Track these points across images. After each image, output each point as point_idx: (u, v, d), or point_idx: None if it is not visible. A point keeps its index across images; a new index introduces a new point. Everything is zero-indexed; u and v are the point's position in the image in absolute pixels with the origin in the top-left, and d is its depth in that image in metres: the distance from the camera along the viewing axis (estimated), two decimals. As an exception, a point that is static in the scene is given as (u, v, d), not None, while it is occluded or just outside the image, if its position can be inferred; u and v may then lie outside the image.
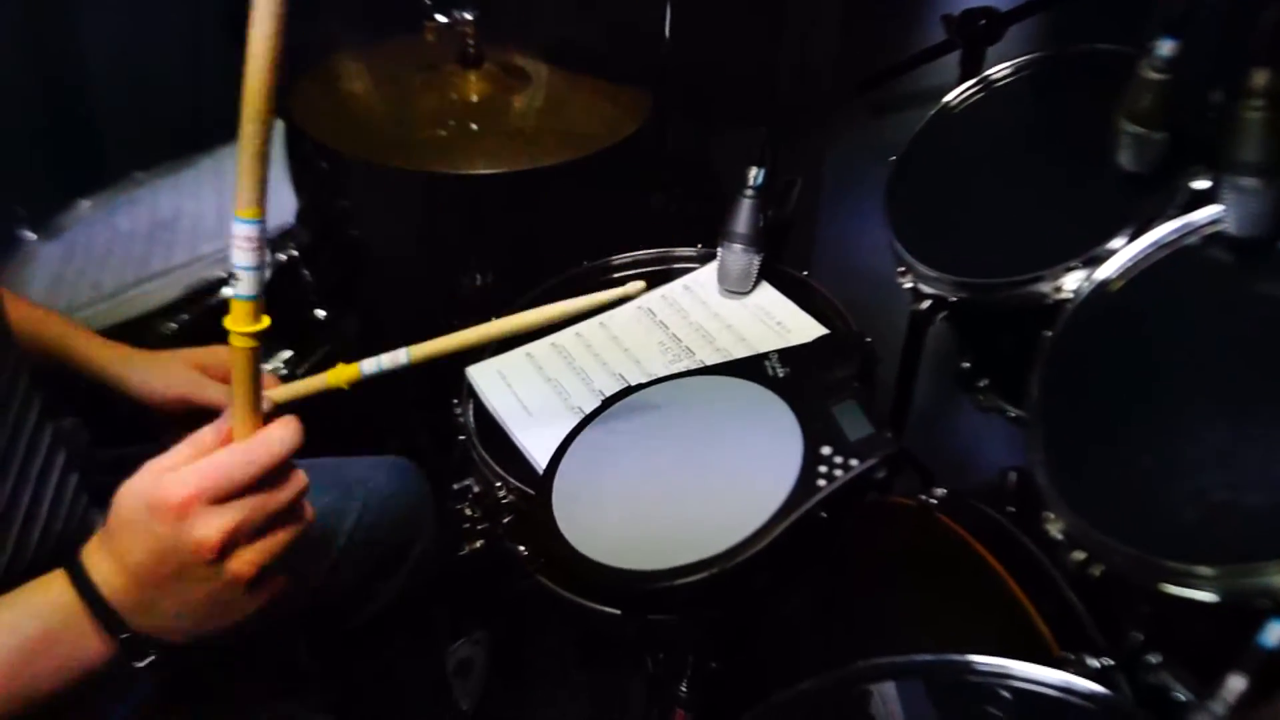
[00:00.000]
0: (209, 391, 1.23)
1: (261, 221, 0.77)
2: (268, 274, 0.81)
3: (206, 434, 0.85)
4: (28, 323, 1.22)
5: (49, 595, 0.85)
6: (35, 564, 0.98)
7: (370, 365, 1.04)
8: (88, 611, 0.83)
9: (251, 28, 0.72)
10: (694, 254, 1.65)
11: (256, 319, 0.81)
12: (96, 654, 0.84)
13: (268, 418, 0.86)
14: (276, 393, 1.10)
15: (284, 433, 0.85)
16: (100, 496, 1.10)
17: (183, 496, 0.80)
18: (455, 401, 1.42)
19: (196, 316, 1.52)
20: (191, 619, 0.86)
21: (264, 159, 0.75)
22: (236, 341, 0.81)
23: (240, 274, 0.79)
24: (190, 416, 1.22)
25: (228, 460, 0.82)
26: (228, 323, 0.80)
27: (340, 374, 1.05)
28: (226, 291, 1.51)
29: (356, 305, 1.85)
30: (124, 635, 0.84)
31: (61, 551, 1.00)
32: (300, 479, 0.87)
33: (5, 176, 1.80)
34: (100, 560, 0.85)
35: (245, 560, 0.83)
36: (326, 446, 1.51)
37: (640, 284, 1.09)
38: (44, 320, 1.28)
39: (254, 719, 1.23)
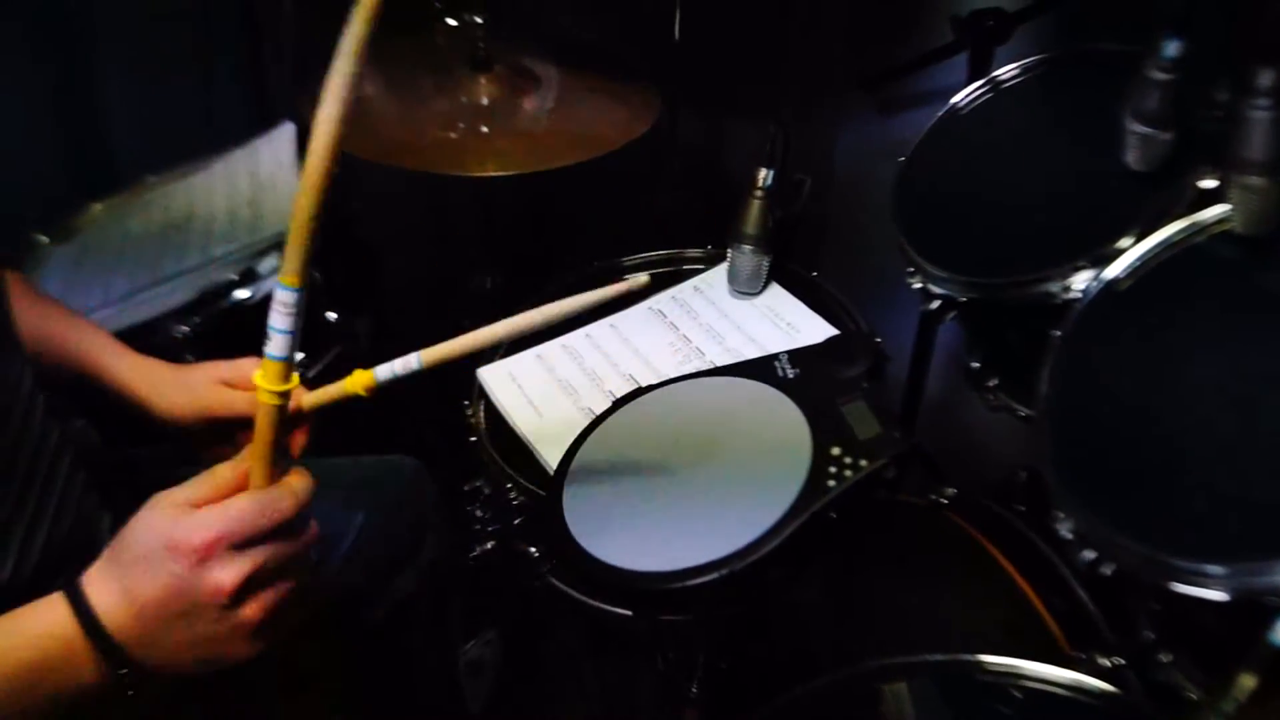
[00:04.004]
0: (237, 405, 1.18)
1: (302, 290, 0.79)
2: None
3: (224, 471, 0.86)
4: (50, 325, 1.20)
5: (46, 622, 0.83)
6: (43, 564, 0.98)
7: (384, 371, 1.03)
8: (88, 643, 0.82)
9: (320, 108, 0.72)
10: (703, 255, 1.66)
11: (285, 379, 0.83)
12: (91, 684, 0.83)
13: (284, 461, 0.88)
14: (304, 400, 1.08)
15: (302, 483, 0.87)
16: (108, 496, 1.11)
17: (205, 539, 0.81)
18: (466, 402, 1.42)
19: (209, 319, 1.52)
20: (191, 657, 0.85)
21: (313, 232, 0.76)
22: (264, 398, 0.83)
23: (274, 335, 0.81)
24: (211, 431, 1.19)
25: (252, 507, 0.83)
26: (257, 379, 0.82)
27: (357, 380, 1.05)
28: (239, 295, 1.55)
29: (367, 307, 1.86)
30: (123, 670, 0.84)
31: (69, 552, 1.01)
32: (312, 530, 0.89)
33: (17, 179, 1.81)
34: (104, 591, 0.83)
35: (255, 606, 0.84)
36: (336, 446, 1.52)
37: (644, 278, 1.09)
38: (69, 327, 1.24)
39: (265, 718, 1.24)
